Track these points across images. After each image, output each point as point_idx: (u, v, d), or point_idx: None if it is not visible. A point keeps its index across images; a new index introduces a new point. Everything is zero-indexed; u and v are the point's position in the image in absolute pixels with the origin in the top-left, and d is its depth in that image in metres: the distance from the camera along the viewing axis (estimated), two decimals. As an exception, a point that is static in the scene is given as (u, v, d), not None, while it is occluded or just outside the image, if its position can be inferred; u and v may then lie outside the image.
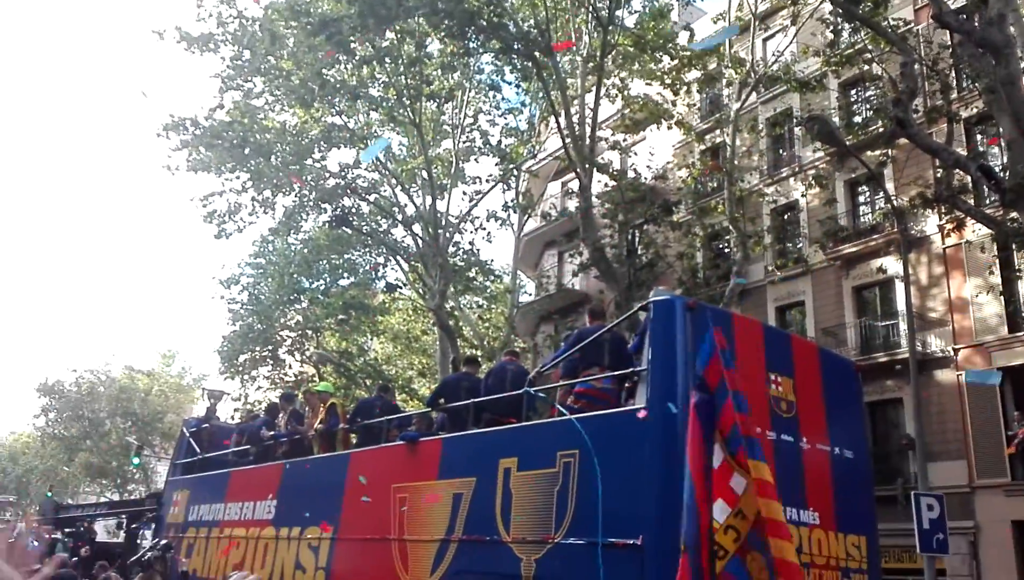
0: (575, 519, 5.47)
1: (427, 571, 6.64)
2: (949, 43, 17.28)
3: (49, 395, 46.03)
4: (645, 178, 24.85)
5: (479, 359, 11.54)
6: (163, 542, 9.05)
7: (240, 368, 31.05)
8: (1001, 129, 12.86)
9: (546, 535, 5.61)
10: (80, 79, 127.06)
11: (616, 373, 6.22)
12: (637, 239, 24.95)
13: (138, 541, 15.93)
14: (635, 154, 25.49)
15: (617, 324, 6.85)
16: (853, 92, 23.33)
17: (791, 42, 22.05)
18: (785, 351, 6.25)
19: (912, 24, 20.55)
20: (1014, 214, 12.48)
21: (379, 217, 25.59)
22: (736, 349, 5.61)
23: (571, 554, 5.38)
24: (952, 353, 19.27)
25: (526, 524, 5.83)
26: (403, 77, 21.85)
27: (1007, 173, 12.29)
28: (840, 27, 17.72)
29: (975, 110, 18.75)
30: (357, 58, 20.04)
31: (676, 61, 22.24)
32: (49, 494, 36.92)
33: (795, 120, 22.23)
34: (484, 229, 26.98)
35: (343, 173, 24.08)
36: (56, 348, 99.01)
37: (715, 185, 24.49)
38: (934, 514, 10.98)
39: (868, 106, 21.89)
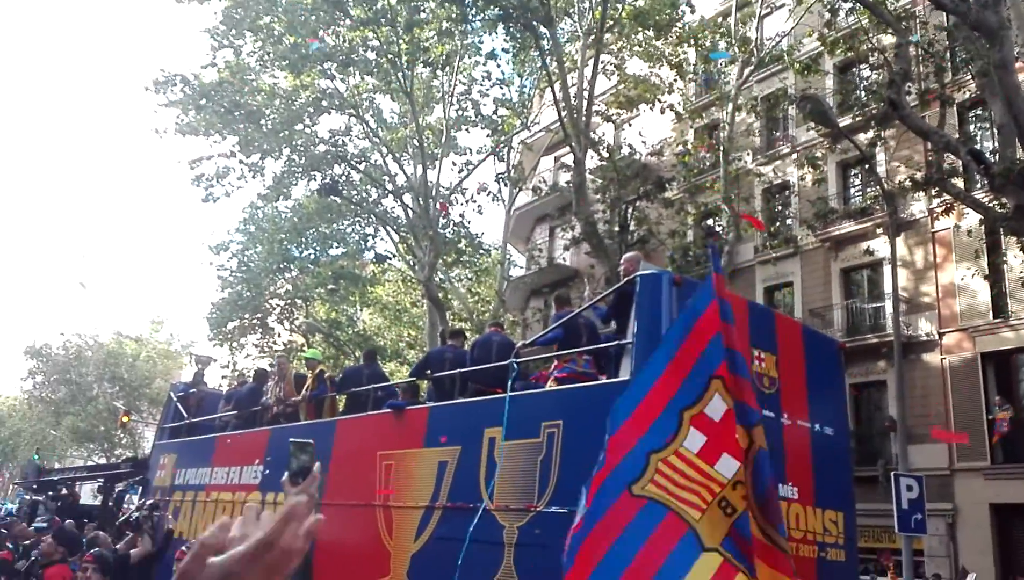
0: (557, 488, 5.53)
1: (411, 537, 6.71)
2: (945, 25, 17.22)
3: (37, 358, 45.84)
4: (639, 154, 24.78)
5: (465, 332, 11.56)
6: (150, 502, 9.10)
7: (229, 335, 31.02)
8: (993, 113, 12.86)
9: (529, 503, 5.67)
10: (65, 34, 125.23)
11: (599, 346, 6.27)
12: (629, 215, 24.92)
13: (124, 505, 15.96)
14: (630, 125, 25.40)
15: (604, 297, 6.88)
16: (851, 72, 23.27)
17: (796, 23, 21.89)
18: (769, 328, 6.28)
19: (910, 5, 20.48)
20: (1003, 199, 12.52)
21: (369, 186, 25.44)
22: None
23: (553, 522, 5.44)
24: (937, 337, 19.42)
25: (509, 492, 5.89)
26: (398, 42, 21.63)
27: (997, 157, 12.32)
28: (837, 6, 17.61)
29: (968, 94, 18.73)
30: (353, 19, 19.75)
31: (676, 37, 22.09)
32: (36, 457, 36.86)
33: (790, 100, 22.18)
34: (475, 201, 26.77)
35: (333, 140, 23.89)
36: (45, 312, 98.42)
37: (709, 163, 24.48)
38: (913, 495, 11.09)
39: (864, 88, 21.85)
